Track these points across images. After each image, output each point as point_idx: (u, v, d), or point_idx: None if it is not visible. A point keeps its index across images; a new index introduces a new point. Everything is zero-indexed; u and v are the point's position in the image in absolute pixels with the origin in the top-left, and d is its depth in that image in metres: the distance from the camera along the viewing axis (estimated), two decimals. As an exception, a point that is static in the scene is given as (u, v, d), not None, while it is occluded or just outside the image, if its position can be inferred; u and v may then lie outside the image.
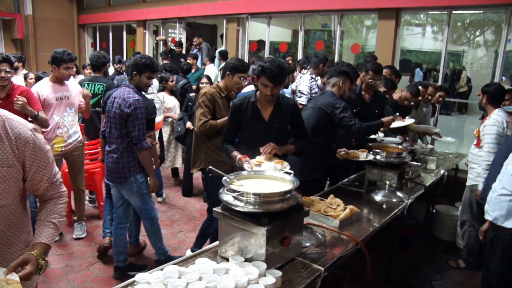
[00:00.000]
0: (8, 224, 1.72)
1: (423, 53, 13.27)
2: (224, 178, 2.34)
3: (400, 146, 3.94)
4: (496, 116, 3.86)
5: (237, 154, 2.99)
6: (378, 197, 3.48)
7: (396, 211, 3.23)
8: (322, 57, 5.98)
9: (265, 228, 2.07)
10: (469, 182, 4.11)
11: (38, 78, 6.15)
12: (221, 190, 2.25)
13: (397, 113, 4.10)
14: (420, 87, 5.09)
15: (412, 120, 4.64)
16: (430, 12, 8.07)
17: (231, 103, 3.27)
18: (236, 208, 2.15)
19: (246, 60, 8.86)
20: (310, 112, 3.74)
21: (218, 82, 3.86)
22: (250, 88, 4.77)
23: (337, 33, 7.80)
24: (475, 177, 4.00)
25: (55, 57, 4.22)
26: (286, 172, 2.50)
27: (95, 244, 4.48)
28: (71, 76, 4.61)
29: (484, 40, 12.01)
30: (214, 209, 2.33)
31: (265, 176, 2.49)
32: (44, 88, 4.25)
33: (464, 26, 11.54)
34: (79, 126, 4.62)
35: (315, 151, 3.67)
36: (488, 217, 2.91)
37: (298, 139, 3.28)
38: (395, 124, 4.13)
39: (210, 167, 2.60)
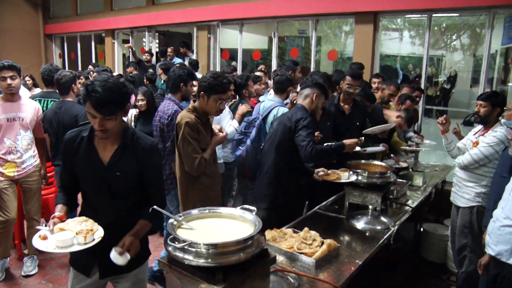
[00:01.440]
0: None
1: (402, 58, 13.10)
2: (171, 221, 1.89)
3: (383, 164, 3.54)
4: (504, 130, 3.36)
5: (56, 209, 2.18)
6: (360, 224, 3.07)
7: (381, 241, 2.82)
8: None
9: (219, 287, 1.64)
10: (466, 204, 3.62)
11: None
12: (166, 238, 1.80)
13: (362, 138, 3.60)
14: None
15: (382, 149, 4.11)
16: (409, 16, 7.76)
17: (64, 137, 2.24)
18: (184, 261, 1.71)
19: (216, 69, 8.42)
20: (274, 128, 3.37)
21: (193, 103, 3.15)
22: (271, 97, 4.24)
23: (313, 39, 7.44)
24: (473, 197, 3.56)
25: None
26: (247, 209, 2.05)
27: (47, 281, 3.96)
28: (27, 90, 4.11)
29: (461, 44, 11.86)
30: (159, 259, 1.88)
31: (222, 215, 2.04)
32: None
33: (441, 30, 11.37)
34: (36, 149, 4.10)
35: (281, 173, 3.28)
36: (489, 251, 2.50)
37: (148, 203, 2.12)
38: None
39: (155, 206, 2.08)
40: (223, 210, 2.07)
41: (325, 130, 3.76)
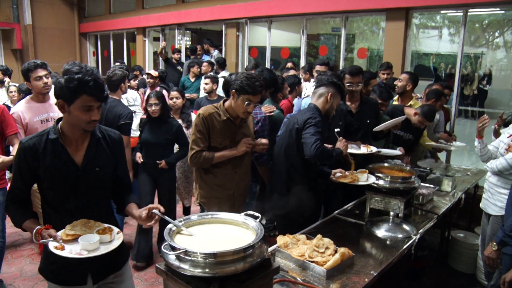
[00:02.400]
0: None
1: (439, 56, 12.60)
2: (169, 226, 1.82)
3: (408, 168, 3.36)
4: None
5: (33, 225, 1.97)
6: (380, 232, 2.90)
7: (400, 251, 2.64)
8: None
9: (213, 300, 1.55)
10: (498, 212, 3.34)
11: (23, 92, 5.74)
12: (163, 245, 1.72)
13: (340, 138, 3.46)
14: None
15: (399, 153, 3.84)
16: (444, 12, 7.39)
17: (19, 143, 2.05)
18: (179, 270, 1.63)
19: (244, 67, 8.33)
20: (283, 130, 3.27)
21: (224, 99, 3.21)
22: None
23: (343, 36, 7.23)
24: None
25: (22, 69, 3.64)
26: (252, 216, 1.95)
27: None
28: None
29: (504, 41, 11.27)
30: (157, 265, 1.81)
31: (224, 221, 1.95)
32: (25, 110, 3.61)
33: (482, 27, 10.84)
34: None
35: (292, 177, 3.19)
36: None
37: (125, 190, 2.26)
38: (354, 151, 3.50)
39: (154, 210, 2.02)
40: (225, 215, 1.97)
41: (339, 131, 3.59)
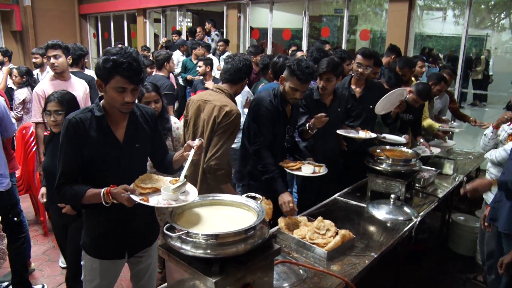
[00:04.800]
0: None
1: (444, 38, 12.46)
2: (170, 208, 1.82)
3: (410, 151, 3.35)
4: None
5: (98, 190, 1.96)
6: (381, 214, 2.91)
7: (401, 234, 2.66)
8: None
9: (214, 280, 1.56)
10: None
11: (24, 74, 5.72)
12: (165, 226, 1.72)
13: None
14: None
15: (403, 140, 3.72)
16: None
17: (65, 120, 2.09)
18: (180, 251, 1.64)
19: (245, 49, 8.25)
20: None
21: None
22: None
23: (345, 17, 7.13)
24: None
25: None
26: (252, 197, 1.95)
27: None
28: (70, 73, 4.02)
29: (510, 23, 11.12)
30: (159, 246, 1.82)
31: (225, 203, 1.95)
32: (48, 86, 3.73)
33: (488, 8, 10.68)
34: None
35: (247, 158, 3.14)
36: None
37: (163, 157, 2.36)
38: (352, 135, 3.46)
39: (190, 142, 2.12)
40: (226, 197, 1.97)
41: (336, 117, 3.47)
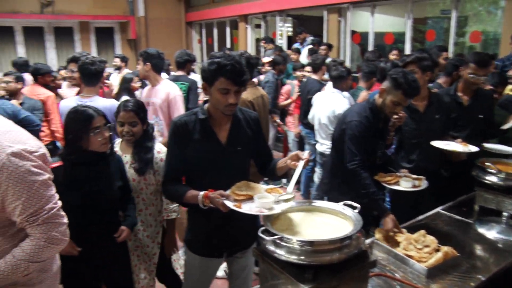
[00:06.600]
0: None
1: None
2: (266, 211, 1.84)
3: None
4: None
5: (197, 192, 2.05)
6: (491, 233, 2.66)
7: (514, 256, 2.40)
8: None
9: (306, 287, 1.55)
10: None
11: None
12: (260, 230, 1.75)
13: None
14: None
15: (474, 149, 3.13)
16: None
17: (172, 122, 2.23)
18: (274, 255, 1.65)
19: (345, 54, 8.11)
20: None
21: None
22: None
23: (453, 18, 6.66)
24: None
25: None
26: (350, 205, 1.90)
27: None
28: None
29: None
30: (253, 248, 1.86)
31: (321, 209, 1.93)
32: (143, 91, 4.08)
33: None
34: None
35: (338, 176, 3.00)
36: None
37: (266, 162, 2.36)
38: (456, 148, 3.07)
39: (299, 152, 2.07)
40: (322, 204, 1.95)
41: (431, 124, 3.20)
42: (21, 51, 11.52)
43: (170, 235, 2.90)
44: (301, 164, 1.98)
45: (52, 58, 11.83)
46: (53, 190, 1.62)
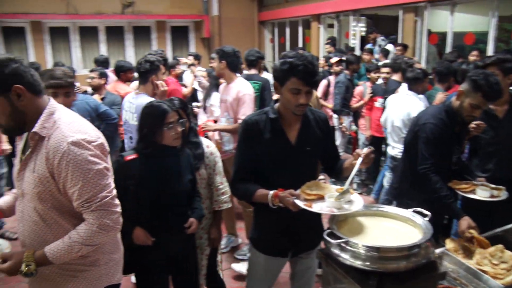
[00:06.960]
0: (33, 229, 1.73)
1: None
2: (333, 214, 1.84)
3: None
4: None
5: (266, 191, 2.06)
6: None
7: None
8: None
9: (371, 294, 1.54)
10: None
11: (210, 76, 6.39)
12: (325, 232, 1.75)
13: None
14: None
15: (504, 195, 2.73)
16: None
17: (243, 121, 2.27)
18: (338, 259, 1.66)
19: (421, 55, 7.77)
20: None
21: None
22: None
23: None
24: None
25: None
26: (420, 213, 1.84)
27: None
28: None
29: None
30: (318, 250, 1.87)
31: (389, 215, 1.89)
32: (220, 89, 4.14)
33: None
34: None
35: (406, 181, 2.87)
36: None
37: (334, 163, 2.36)
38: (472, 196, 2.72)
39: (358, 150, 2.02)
40: (391, 209, 1.92)
41: (511, 131, 2.97)
42: (103, 49, 12.30)
43: (217, 226, 2.90)
44: (359, 161, 1.96)
45: (130, 56, 12.48)
46: (109, 180, 1.74)
